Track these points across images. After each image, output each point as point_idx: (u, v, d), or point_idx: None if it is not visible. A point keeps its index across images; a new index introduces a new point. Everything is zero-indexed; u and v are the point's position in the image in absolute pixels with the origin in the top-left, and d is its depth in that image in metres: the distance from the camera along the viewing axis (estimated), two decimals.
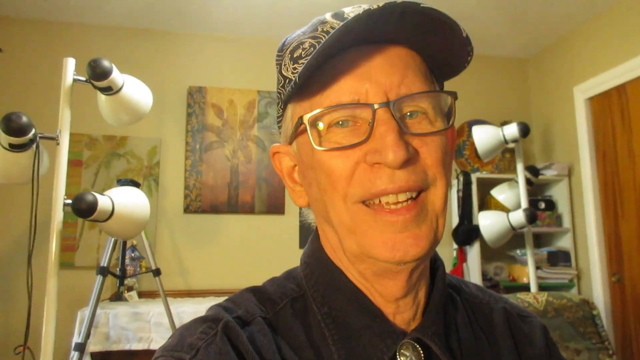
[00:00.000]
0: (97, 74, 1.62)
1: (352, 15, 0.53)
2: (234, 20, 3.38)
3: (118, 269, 2.70)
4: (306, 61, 0.50)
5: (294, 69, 0.54)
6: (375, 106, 0.48)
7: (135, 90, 1.82)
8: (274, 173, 3.49)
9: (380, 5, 0.45)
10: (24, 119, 1.49)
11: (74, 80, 1.67)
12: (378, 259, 0.49)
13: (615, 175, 3.10)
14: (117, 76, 1.69)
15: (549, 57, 3.73)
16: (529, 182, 2.67)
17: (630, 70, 2.92)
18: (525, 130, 2.47)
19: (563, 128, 3.57)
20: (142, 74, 2.06)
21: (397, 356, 0.52)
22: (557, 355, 0.64)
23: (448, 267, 3.11)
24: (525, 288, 2.81)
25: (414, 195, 0.49)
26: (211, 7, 3.20)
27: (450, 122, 0.53)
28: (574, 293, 3.11)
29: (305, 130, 0.51)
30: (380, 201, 0.49)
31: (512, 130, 2.48)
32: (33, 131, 1.53)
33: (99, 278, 2.17)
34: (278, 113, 0.59)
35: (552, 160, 3.65)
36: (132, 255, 3.00)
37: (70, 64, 1.68)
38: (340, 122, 0.50)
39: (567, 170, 3.47)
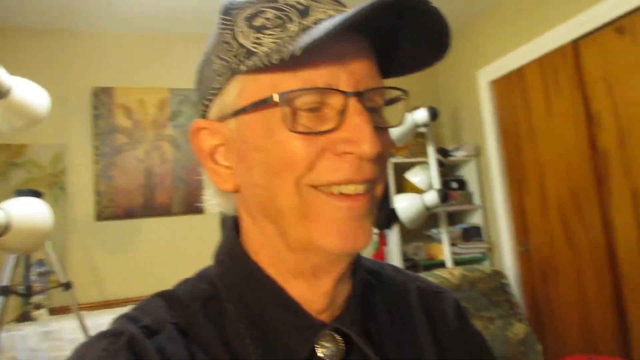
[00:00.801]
0: None
1: None
2: (138, 17, 3.20)
3: (22, 287, 2.49)
4: (297, 35, 0.47)
5: (257, 38, 0.48)
6: (349, 95, 0.47)
7: (27, 93, 1.68)
8: (191, 172, 3.38)
9: None
10: None
11: None
12: (326, 248, 0.48)
13: (518, 154, 3.31)
14: (3, 78, 1.54)
15: (454, 42, 3.86)
16: (440, 163, 2.79)
17: (527, 53, 3.12)
18: (434, 114, 2.58)
19: (470, 110, 3.75)
20: (39, 77, 1.91)
21: (316, 348, 0.51)
22: (468, 327, 0.66)
23: (370, 252, 3.18)
24: (443, 265, 2.94)
25: (370, 187, 0.50)
26: (113, 3, 3.01)
27: (403, 118, 0.55)
28: (486, 265, 3.31)
29: (262, 108, 0.48)
30: (340, 191, 0.48)
31: (422, 114, 2.58)
32: None
33: (0, 299, 1.99)
34: (214, 85, 0.52)
35: (461, 141, 3.83)
36: (40, 270, 2.78)
37: None
38: (311, 107, 0.47)
39: (475, 151, 3.66)
